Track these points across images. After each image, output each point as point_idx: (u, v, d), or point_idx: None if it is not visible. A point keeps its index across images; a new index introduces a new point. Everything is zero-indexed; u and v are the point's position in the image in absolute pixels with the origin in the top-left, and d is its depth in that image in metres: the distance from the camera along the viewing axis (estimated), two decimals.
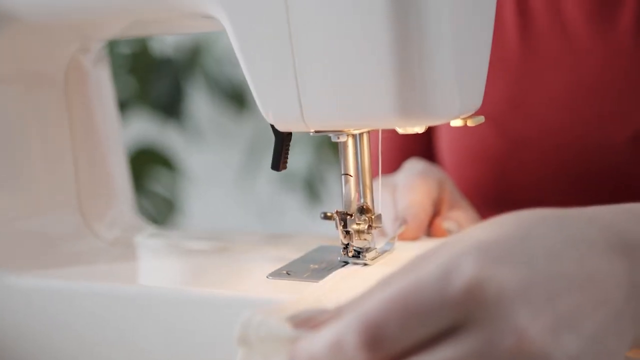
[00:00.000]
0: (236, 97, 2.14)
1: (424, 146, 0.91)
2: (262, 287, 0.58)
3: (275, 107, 0.55)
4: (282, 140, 0.58)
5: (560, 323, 0.38)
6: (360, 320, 0.38)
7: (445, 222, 0.69)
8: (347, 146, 0.59)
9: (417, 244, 0.65)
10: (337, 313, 0.41)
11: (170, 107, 2.13)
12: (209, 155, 2.27)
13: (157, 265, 0.69)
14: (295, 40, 0.53)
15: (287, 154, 0.59)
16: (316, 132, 0.56)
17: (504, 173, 0.81)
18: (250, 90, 0.56)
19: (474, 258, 0.38)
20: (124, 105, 2.06)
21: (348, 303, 0.41)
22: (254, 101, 0.56)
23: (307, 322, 0.42)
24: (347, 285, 0.55)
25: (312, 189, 2.18)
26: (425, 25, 0.50)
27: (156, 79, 2.11)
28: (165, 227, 2.06)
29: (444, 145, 0.87)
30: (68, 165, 0.71)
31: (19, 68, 0.68)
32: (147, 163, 2.12)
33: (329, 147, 2.08)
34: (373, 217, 0.60)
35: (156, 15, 0.60)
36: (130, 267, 0.69)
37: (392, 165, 0.85)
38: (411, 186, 0.69)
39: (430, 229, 0.70)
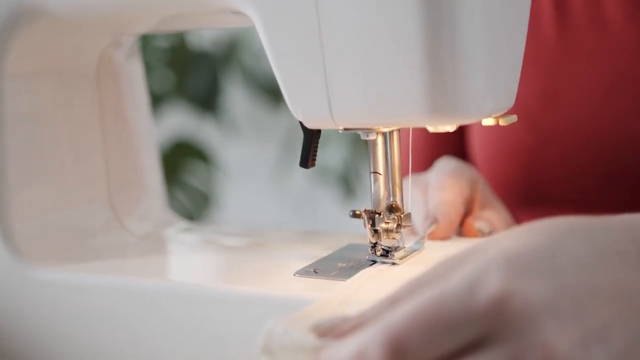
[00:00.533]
0: (272, 92, 2.14)
1: (456, 142, 0.90)
2: (289, 285, 0.57)
3: (304, 105, 0.55)
4: (311, 138, 0.58)
5: (590, 337, 0.37)
6: (385, 333, 0.37)
7: (477, 222, 0.68)
8: (377, 144, 0.58)
9: (448, 244, 0.64)
10: (361, 321, 0.40)
11: (207, 100, 2.13)
12: (245, 149, 2.27)
13: (186, 261, 0.69)
14: (325, 37, 0.52)
15: (316, 151, 0.58)
16: (345, 129, 0.56)
17: (535, 169, 0.80)
18: None
19: (500, 270, 0.37)
20: (161, 99, 2.07)
21: (372, 310, 0.41)
22: None
23: (331, 330, 0.41)
24: (374, 286, 0.54)
25: (347, 184, 2.17)
26: (458, 23, 0.50)
27: (193, 72, 2.12)
28: (200, 220, 2.07)
29: (475, 141, 0.86)
30: (99, 160, 0.71)
31: (50, 62, 0.68)
32: (183, 156, 2.13)
33: (364, 142, 2.06)
34: (402, 215, 0.59)
35: (186, 11, 0.60)
36: (160, 262, 0.69)
37: (425, 162, 0.84)
38: (442, 185, 0.68)
39: (462, 229, 0.69)
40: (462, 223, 0.68)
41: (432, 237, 0.65)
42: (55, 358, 0.64)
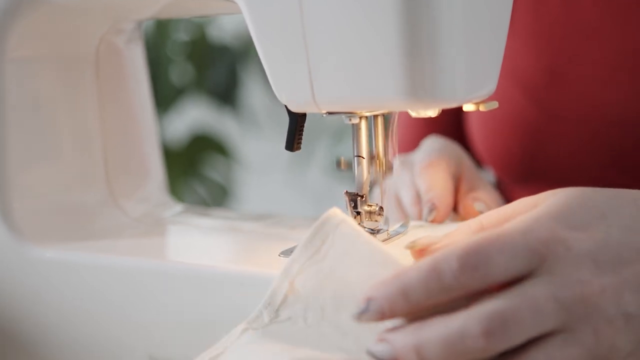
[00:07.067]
0: None
1: (453, 121, 0.90)
2: (274, 265, 0.59)
3: (288, 89, 0.56)
4: (297, 121, 0.59)
5: (624, 285, 0.42)
6: (461, 248, 0.42)
7: (476, 204, 0.69)
8: (360, 128, 0.59)
9: (430, 227, 0.65)
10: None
11: (226, 94, 2.15)
12: (264, 142, 2.29)
13: (181, 242, 0.70)
14: (307, 23, 0.53)
15: (302, 134, 0.59)
16: (328, 113, 0.57)
17: (536, 144, 0.80)
18: None
19: (551, 220, 0.44)
20: (180, 92, 2.09)
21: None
22: None
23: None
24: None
25: None
26: (437, 8, 0.50)
27: (213, 66, 2.14)
28: None
29: (474, 118, 0.86)
30: (97, 143, 0.73)
31: (51, 47, 0.70)
32: (202, 149, 2.15)
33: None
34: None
35: None
36: (155, 243, 0.70)
37: (419, 140, 0.84)
38: (430, 165, 0.69)
39: (460, 210, 0.69)
40: (455, 203, 0.69)
41: (433, 222, 0.65)
42: (52, 335, 0.65)
